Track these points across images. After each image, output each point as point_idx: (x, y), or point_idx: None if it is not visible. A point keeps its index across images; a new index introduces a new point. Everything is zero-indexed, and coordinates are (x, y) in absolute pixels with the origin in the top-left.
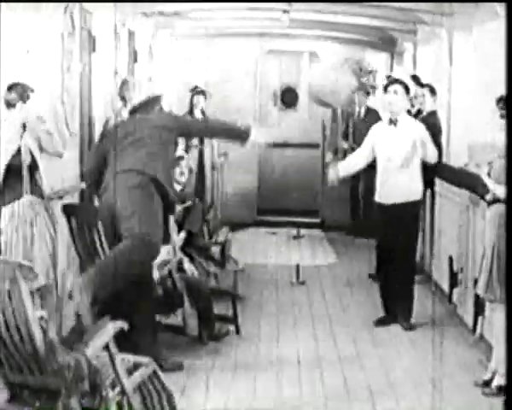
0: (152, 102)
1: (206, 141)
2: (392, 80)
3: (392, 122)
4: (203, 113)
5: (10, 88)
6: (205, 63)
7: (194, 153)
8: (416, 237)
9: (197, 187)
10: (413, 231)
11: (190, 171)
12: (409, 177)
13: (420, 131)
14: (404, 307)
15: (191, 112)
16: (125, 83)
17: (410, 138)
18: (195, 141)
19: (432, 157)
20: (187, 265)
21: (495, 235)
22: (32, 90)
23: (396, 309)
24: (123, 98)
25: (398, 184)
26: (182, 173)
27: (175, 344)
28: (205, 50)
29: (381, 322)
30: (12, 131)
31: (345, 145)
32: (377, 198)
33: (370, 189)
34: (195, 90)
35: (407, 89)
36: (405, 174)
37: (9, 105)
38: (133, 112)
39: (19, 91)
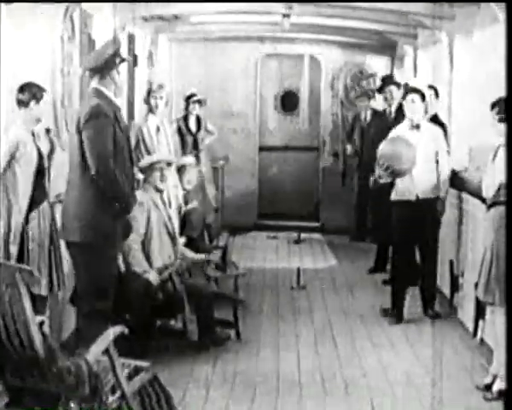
0: None
1: (203, 147)
2: (409, 89)
3: (414, 127)
4: (198, 119)
5: (23, 88)
6: (205, 67)
7: None
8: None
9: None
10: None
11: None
12: (429, 175)
13: (440, 138)
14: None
15: (186, 118)
16: (150, 88)
17: (431, 141)
18: (190, 146)
19: (443, 166)
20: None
21: (493, 238)
22: (45, 91)
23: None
24: (148, 103)
25: (419, 181)
26: (189, 182)
27: (175, 349)
28: (205, 54)
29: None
30: (26, 133)
31: (349, 149)
32: (396, 196)
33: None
34: (192, 99)
35: (423, 96)
36: (426, 172)
37: (21, 104)
38: None
39: (32, 91)
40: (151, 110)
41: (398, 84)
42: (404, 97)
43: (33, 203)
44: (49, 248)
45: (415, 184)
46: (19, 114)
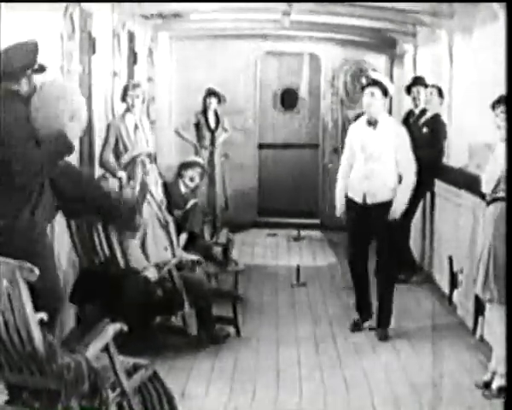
0: None
1: (218, 144)
2: (369, 82)
3: (372, 124)
4: (216, 114)
5: None
6: (205, 65)
7: (205, 155)
8: (393, 239)
9: (208, 189)
10: (392, 231)
11: (202, 176)
12: (383, 177)
13: (400, 136)
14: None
15: (205, 112)
16: (127, 87)
17: (389, 140)
18: (207, 142)
19: (403, 167)
20: (186, 256)
21: (491, 234)
22: None
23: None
24: (125, 101)
25: (372, 184)
26: (192, 179)
27: (175, 346)
28: (205, 52)
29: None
30: None
31: None
32: (350, 194)
33: None
34: (208, 92)
35: (385, 91)
36: (381, 174)
37: None
38: None
39: None
40: (128, 109)
41: (426, 85)
42: (363, 89)
43: None
44: None
45: (364, 185)
46: None
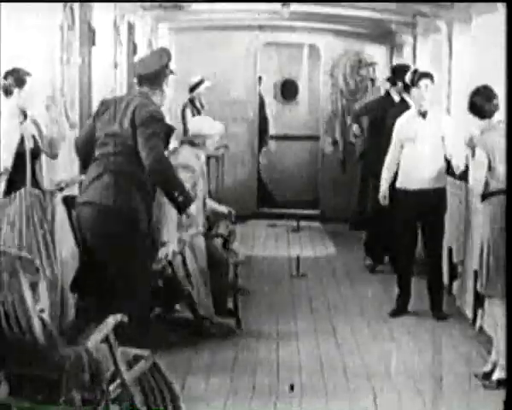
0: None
1: None
2: (419, 76)
3: (421, 114)
4: (201, 105)
5: (6, 75)
6: (204, 56)
7: None
8: (443, 222)
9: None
10: (441, 216)
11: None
12: (435, 165)
13: (447, 126)
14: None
15: (193, 103)
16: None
17: (438, 129)
18: None
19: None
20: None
21: (489, 229)
22: (28, 74)
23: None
24: None
25: (425, 172)
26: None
27: (174, 339)
28: (204, 43)
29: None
30: (12, 119)
31: (355, 128)
32: (401, 185)
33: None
34: (202, 85)
35: (433, 80)
36: (433, 161)
37: (7, 93)
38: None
39: (14, 77)
40: None
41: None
42: (415, 84)
43: (12, 187)
44: (43, 235)
45: (419, 173)
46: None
